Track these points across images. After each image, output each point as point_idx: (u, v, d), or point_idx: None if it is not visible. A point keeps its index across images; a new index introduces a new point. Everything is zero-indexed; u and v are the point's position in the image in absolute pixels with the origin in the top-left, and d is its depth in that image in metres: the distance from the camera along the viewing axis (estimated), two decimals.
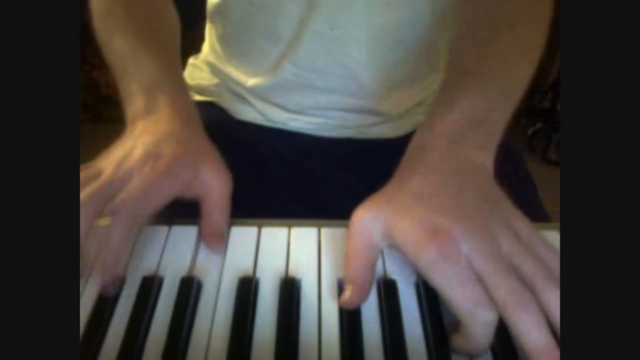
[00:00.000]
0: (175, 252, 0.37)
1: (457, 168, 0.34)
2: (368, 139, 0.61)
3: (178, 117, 0.39)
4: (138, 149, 0.36)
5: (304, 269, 0.36)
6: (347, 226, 0.39)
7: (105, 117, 1.96)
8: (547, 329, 0.28)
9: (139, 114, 0.39)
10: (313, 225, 0.39)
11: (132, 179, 0.34)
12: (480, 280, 0.29)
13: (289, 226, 0.39)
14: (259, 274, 0.36)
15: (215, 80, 0.63)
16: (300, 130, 0.60)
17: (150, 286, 0.34)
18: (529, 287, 0.29)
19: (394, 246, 0.32)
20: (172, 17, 0.52)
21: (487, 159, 0.36)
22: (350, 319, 0.32)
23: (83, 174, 0.35)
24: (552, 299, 0.29)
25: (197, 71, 0.66)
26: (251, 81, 0.59)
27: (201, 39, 0.68)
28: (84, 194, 0.33)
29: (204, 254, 0.37)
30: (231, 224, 0.39)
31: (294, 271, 0.36)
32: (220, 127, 0.55)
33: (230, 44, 0.61)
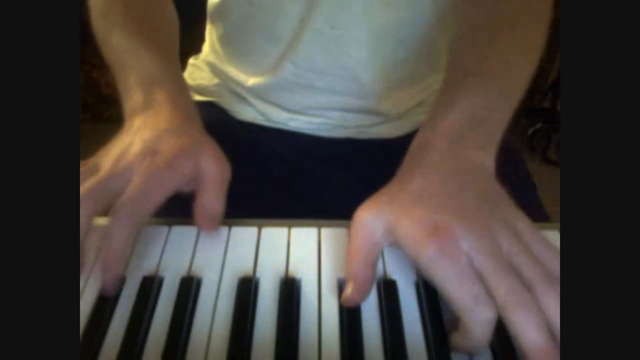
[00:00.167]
0: (175, 252, 0.37)
1: (458, 168, 0.35)
2: (368, 139, 0.61)
3: (177, 111, 0.39)
4: (136, 144, 0.36)
5: (304, 269, 0.36)
6: (347, 226, 0.39)
7: (105, 117, 1.96)
8: (545, 330, 0.28)
9: (137, 109, 0.39)
10: (313, 225, 0.39)
11: (132, 175, 0.34)
12: (480, 279, 0.29)
13: (289, 226, 0.39)
14: (259, 274, 0.36)
15: (216, 81, 0.63)
16: (300, 130, 0.60)
17: (150, 286, 0.34)
18: (528, 289, 0.29)
19: (395, 244, 0.33)
20: (171, 17, 0.52)
21: (487, 159, 0.36)
22: (350, 319, 0.32)
23: (81, 169, 0.35)
24: (552, 303, 0.29)
25: (197, 71, 0.66)
26: (251, 81, 0.59)
27: (201, 39, 0.68)
28: (82, 189, 0.33)
29: (204, 254, 0.37)
30: (231, 224, 0.39)
31: (294, 271, 0.36)
32: (220, 127, 0.55)
33: (230, 44, 0.61)
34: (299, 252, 0.37)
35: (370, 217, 0.33)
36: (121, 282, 0.35)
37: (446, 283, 0.30)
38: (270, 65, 0.57)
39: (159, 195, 0.34)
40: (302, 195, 0.56)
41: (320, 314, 0.33)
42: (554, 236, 0.38)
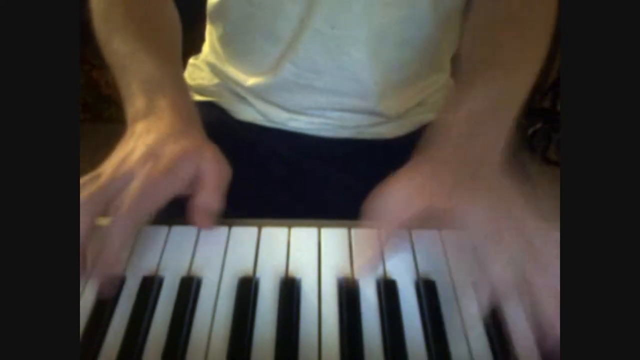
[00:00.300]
0: (175, 252, 0.37)
1: (474, 149, 0.38)
2: (368, 139, 0.61)
3: (178, 117, 0.39)
4: (138, 149, 0.36)
5: (304, 269, 0.36)
6: (347, 226, 0.39)
7: (105, 117, 1.96)
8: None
9: (140, 114, 0.39)
10: (313, 225, 0.40)
11: (133, 179, 0.34)
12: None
13: (289, 226, 0.39)
14: (259, 274, 0.36)
15: (216, 81, 0.63)
16: (300, 131, 0.60)
17: (150, 286, 0.34)
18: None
19: (423, 209, 0.35)
20: (172, 17, 0.52)
21: (501, 142, 0.39)
22: (350, 319, 0.32)
23: (84, 177, 0.35)
24: (554, 319, 0.31)
25: (197, 71, 0.66)
26: (251, 81, 0.59)
27: (201, 39, 0.68)
28: (84, 193, 0.33)
29: (204, 254, 0.37)
30: (231, 224, 0.39)
31: (294, 271, 0.36)
32: (220, 127, 0.55)
33: (230, 44, 0.61)
34: (299, 252, 0.37)
35: (398, 186, 0.36)
36: (120, 282, 0.35)
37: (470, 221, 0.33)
38: (270, 65, 0.57)
39: (159, 198, 0.34)
40: (302, 195, 0.56)
41: (320, 314, 0.33)
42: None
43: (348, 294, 0.34)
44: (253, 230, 0.39)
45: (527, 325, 0.33)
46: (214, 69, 0.64)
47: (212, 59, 0.64)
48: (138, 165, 0.35)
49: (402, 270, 0.36)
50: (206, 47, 0.67)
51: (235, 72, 0.61)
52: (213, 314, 0.33)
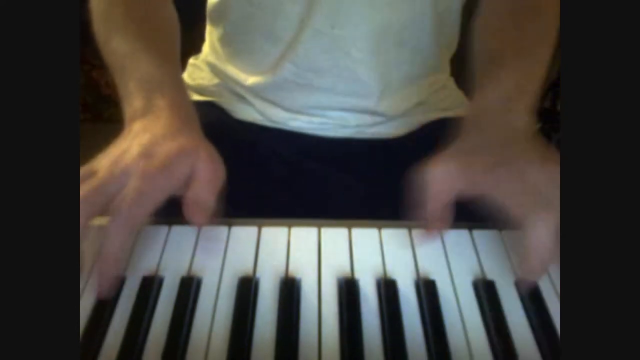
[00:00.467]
0: (175, 252, 0.37)
1: (506, 131, 0.41)
2: (368, 139, 0.61)
3: (176, 116, 0.39)
4: (134, 148, 0.36)
5: (304, 269, 0.36)
6: (347, 226, 0.39)
7: (105, 117, 1.95)
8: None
9: (137, 114, 0.39)
10: (313, 225, 0.39)
11: (128, 178, 0.34)
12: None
13: (289, 226, 0.39)
14: (259, 274, 0.36)
15: (216, 81, 0.63)
16: (300, 130, 0.60)
17: (150, 286, 0.34)
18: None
19: (464, 187, 0.38)
20: (171, 17, 0.52)
21: (529, 122, 0.42)
22: (350, 319, 0.32)
23: (80, 171, 0.35)
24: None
25: (197, 71, 0.66)
26: (251, 80, 0.59)
27: (201, 39, 0.68)
28: (81, 190, 0.33)
29: (204, 254, 0.37)
30: (231, 224, 0.39)
31: (294, 271, 0.36)
32: (221, 127, 0.55)
33: (230, 44, 0.61)
34: (299, 252, 0.37)
35: (440, 169, 0.38)
36: (120, 283, 0.35)
37: (509, 198, 0.35)
38: (270, 65, 0.57)
39: (156, 198, 0.34)
40: (302, 195, 0.56)
41: (320, 314, 0.33)
42: None
43: (348, 294, 0.34)
44: (253, 230, 0.39)
45: (527, 326, 0.33)
46: (214, 69, 0.64)
47: (212, 58, 0.64)
48: (132, 164, 0.35)
49: (402, 270, 0.36)
50: (206, 47, 0.67)
51: (235, 72, 0.61)
52: (213, 314, 0.33)
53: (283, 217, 0.40)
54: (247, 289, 0.34)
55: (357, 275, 0.36)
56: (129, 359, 0.30)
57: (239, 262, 0.36)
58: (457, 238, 0.39)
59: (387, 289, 0.34)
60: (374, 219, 0.40)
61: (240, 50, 0.60)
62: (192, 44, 0.69)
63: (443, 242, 0.39)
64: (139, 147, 0.36)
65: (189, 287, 0.34)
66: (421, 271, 0.36)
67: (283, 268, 0.36)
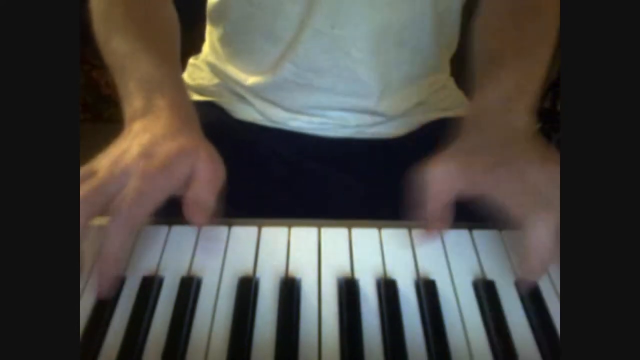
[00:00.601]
0: (175, 252, 0.37)
1: (506, 131, 0.41)
2: (368, 139, 0.61)
3: (176, 116, 0.39)
4: (133, 148, 0.36)
5: (304, 269, 0.36)
6: (347, 226, 0.39)
7: (105, 117, 1.95)
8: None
9: (137, 114, 0.39)
10: (313, 225, 0.39)
11: (128, 179, 0.34)
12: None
13: (289, 226, 0.39)
14: (259, 274, 0.36)
15: (216, 81, 0.63)
16: (300, 130, 0.60)
17: (150, 286, 0.34)
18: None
19: (464, 186, 0.38)
20: (171, 17, 0.52)
21: (529, 122, 0.42)
22: (350, 319, 0.32)
23: (80, 172, 0.35)
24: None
25: (197, 71, 0.66)
26: (251, 80, 0.59)
27: (201, 39, 0.68)
28: (82, 190, 0.33)
29: (203, 254, 0.37)
30: (231, 224, 0.39)
31: (294, 271, 0.36)
32: (221, 127, 0.55)
33: (230, 44, 0.61)
34: (299, 252, 0.37)
35: (440, 169, 0.38)
36: (120, 283, 0.35)
37: (509, 198, 0.36)
38: (270, 65, 0.57)
39: (156, 198, 0.34)
40: (302, 195, 0.56)
41: (320, 314, 0.33)
42: None
43: (348, 294, 0.34)
44: (253, 230, 0.39)
45: (527, 326, 0.33)
46: (214, 69, 0.64)
47: (212, 58, 0.64)
48: (132, 165, 0.35)
49: (402, 270, 0.36)
50: (206, 47, 0.67)
51: (235, 72, 0.61)
52: (213, 313, 0.33)
53: (283, 217, 0.40)
54: (247, 289, 0.34)
55: (357, 275, 0.36)
56: (129, 359, 0.30)
57: (239, 262, 0.36)
58: (457, 238, 0.39)
59: (387, 289, 0.34)
60: (374, 219, 0.40)
61: (240, 50, 0.60)
62: (192, 44, 0.69)
63: (443, 242, 0.39)
64: (139, 147, 0.36)
65: (189, 287, 0.34)
66: (421, 271, 0.36)
67: (283, 268, 0.36)
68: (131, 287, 0.35)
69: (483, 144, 0.40)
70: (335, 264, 0.36)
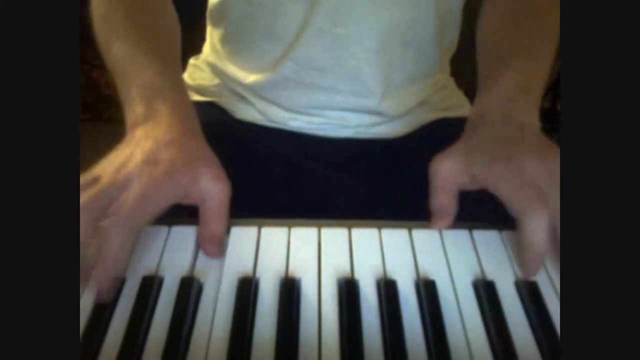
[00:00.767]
0: (175, 252, 0.37)
1: (509, 128, 0.41)
2: (368, 139, 0.61)
3: (178, 123, 0.39)
4: (137, 156, 0.36)
5: (304, 269, 0.36)
6: (347, 226, 0.39)
7: (105, 117, 1.95)
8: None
9: (139, 120, 0.39)
10: (313, 225, 0.39)
11: (131, 185, 0.34)
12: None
13: (289, 226, 0.39)
14: (259, 274, 0.36)
15: (216, 81, 0.63)
16: (300, 130, 0.60)
17: (150, 286, 0.34)
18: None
19: (468, 179, 0.40)
20: (172, 19, 0.52)
21: (533, 119, 0.42)
22: (350, 319, 0.32)
23: (81, 181, 0.35)
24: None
25: (197, 71, 0.66)
26: (251, 78, 0.59)
27: (201, 39, 0.68)
28: (82, 199, 0.33)
29: (204, 254, 0.37)
30: (231, 224, 0.39)
31: (294, 271, 0.36)
32: (221, 127, 0.55)
33: (230, 44, 0.61)
34: (299, 252, 0.37)
35: (445, 163, 0.40)
36: (120, 283, 0.35)
37: (507, 192, 0.37)
38: (271, 63, 0.57)
39: (158, 204, 0.35)
40: (302, 195, 0.56)
41: (320, 314, 0.33)
42: None
43: (348, 294, 0.34)
44: (253, 230, 0.39)
45: (527, 326, 0.33)
46: (215, 69, 0.64)
47: (212, 58, 0.64)
48: (136, 172, 0.35)
49: (402, 270, 0.36)
50: (207, 47, 0.67)
51: (235, 70, 0.60)
52: (213, 314, 0.33)
53: (283, 217, 0.40)
54: (247, 289, 0.34)
55: (357, 275, 0.36)
56: (129, 359, 0.30)
57: (239, 262, 0.36)
58: (457, 238, 0.39)
59: (387, 289, 0.34)
60: (374, 219, 0.40)
61: (240, 49, 0.60)
62: (192, 44, 0.69)
63: (443, 242, 0.39)
64: (143, 154, 0.36)
65: (189, 288, 0.34)
66: (421, 271, 0.36)
67: (283, 268, 0.36)
68: (131, 287, 0.34)
69: (484, 140, 0.41)
70: (335, 264, 0.36)
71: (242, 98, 0.61)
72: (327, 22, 0.51)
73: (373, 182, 0.58)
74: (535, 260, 0.35)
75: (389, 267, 0.36)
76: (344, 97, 0.57)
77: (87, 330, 0.32)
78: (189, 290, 0.34)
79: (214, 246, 0.37)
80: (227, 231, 0.39)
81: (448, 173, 0.40)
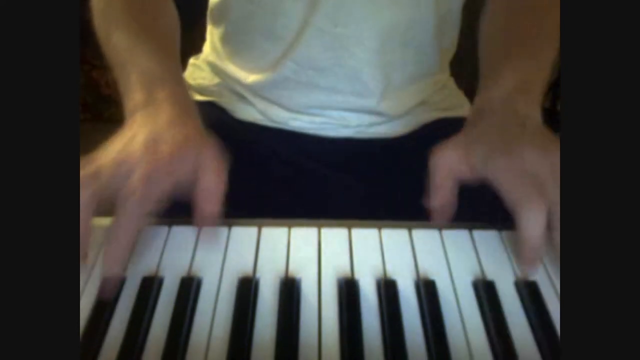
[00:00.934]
0: (175, 252, 0.37)
1: (511, 121, 0.41)
2: (368, 139, 0.61)
3: (177, 108, 0.40)
4: (139, 136, 0.36)
5: (304, 269, 0.36)
6: (347, 226, 0.39)
7: (105, 117, 1.95)
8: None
9: (139, 106, 0.40)
10: (313, 225, 0.39)
11: (135, 169, 0.34)
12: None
13: (289, 226, 0.39)
14: (259, 274, 0.36)
15: (216, 80, 0.63)
16: (300, 130, 0.60)
17: (150, 286, 0.34)
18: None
19: (469, 169, 0.40)
20: (171, 13, 0.52)
21: (534, 114, 0.42)
22: (350, 319, 0.32)
23: (83, 172, 0.35)
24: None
25: (198, 71, 0.66)
26: (251, 78, 0.59)
27: (201, 39, 0.68)
28: (85, 194, 0.33)
29: (204, 254, 0.37)
30: (231, 224, 0.39)
31: (294, 271, 0.36)
32: (221, 127, 0.55)
33: (231, 43, 0.61)
34: (299, 252, 0.37)
35: (446, 152, 0.40)
36: (120, 284, 0.35)
37: (506, 184, 0.36)
38: (271, 63, 0.57)
39: (165, 184, 0.34)
40: (302, 195, 0.56)
41: (320, 314, 0.33)
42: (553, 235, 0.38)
43: (348, 294, 0.34)
44: (253, 230, 0.39)
45: (527, 326, 0.33)
46: (215, 69, 0.64)
47: (212, 58, 0.64)
48: (139, 155, 0.35)
49: (402, 270, 0.36)
50: (207, 47, 0.67)
51: (235, 70, 0.60)
52: (213, 314, 0.33)
53: (283, 217, 0.40)
54: (247, 289, 0.34)
55: (357, 275, 0.36)
56: (129, 359, 0.30)
57: (239, 262, 0.36)
58: (457, 238, 0.39)
59: (387, 289, 0.34)
60: (374, 219, 0.40)
61: (241, 48, 0.60)
62: (192, 44, 0.69)
63: (443, 242, 0.39)
64: (145, 134, 0.36)
65: (189, 288, 0.34)
66: (421, 271, 0.36)
67: (283, 268, 0.36)
68: (131, 287, 0.34)
69: (485, 132, 0.41)
70: (335, 264, 0.36)
71: (242, 98, 0.61)
72: (327, 22, 0.51)
73: (373, 182, 0.58)
74: (530, 255, 0.35)
75: (389, 267, 0.36)
76: (343, 97, 0.57)
77: (87, 330, 0.32)
78: (189, 290, 0.34)
79: (211, 201, 0.36)
80: (227, 231, 0.39)
81: (448, 163, 0.40)
